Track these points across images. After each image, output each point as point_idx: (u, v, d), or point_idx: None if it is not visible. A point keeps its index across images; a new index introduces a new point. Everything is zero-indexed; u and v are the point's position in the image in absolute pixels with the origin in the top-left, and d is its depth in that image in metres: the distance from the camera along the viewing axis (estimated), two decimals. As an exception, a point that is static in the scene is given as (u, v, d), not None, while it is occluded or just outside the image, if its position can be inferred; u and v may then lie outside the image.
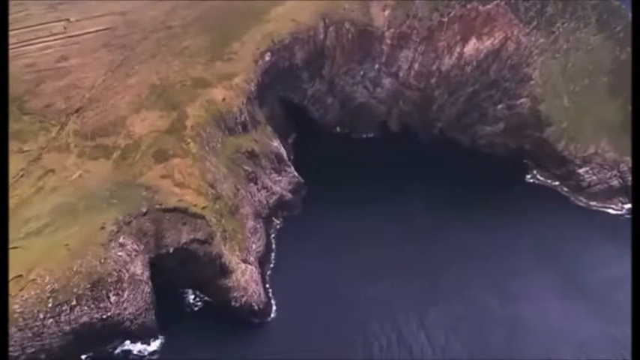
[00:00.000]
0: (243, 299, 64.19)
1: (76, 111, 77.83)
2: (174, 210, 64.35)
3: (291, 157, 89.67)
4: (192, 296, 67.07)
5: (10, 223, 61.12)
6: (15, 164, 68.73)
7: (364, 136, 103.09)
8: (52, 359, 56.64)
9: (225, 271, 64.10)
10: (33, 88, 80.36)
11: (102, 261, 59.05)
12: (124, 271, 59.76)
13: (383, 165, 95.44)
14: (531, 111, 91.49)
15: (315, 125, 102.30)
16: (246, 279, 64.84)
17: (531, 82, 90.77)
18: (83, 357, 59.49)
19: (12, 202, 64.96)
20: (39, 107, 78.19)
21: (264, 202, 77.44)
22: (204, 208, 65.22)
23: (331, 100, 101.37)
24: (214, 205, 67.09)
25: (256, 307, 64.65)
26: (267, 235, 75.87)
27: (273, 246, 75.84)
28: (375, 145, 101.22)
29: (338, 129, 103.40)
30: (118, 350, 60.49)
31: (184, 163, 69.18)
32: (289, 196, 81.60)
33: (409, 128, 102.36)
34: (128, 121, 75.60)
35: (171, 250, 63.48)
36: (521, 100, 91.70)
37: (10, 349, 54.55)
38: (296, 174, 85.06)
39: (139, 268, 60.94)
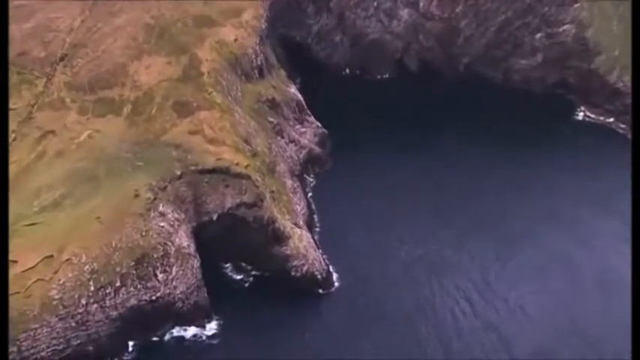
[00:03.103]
0: (304, 268, 65.48)
1: (61, 59, 76.43)
2: (214, 171, 64.68)
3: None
4: (240, 269, 67.46)
5: (15, 196, 60.19)
6: (2, 126, 67.00)
7: (378, 77, 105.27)
8: (100, 351, 56.52)
9: (279, 238, 65.10)
10: (-4, 33, 77.67)
11: (143, 234, 59.14)
12: (169, 244, 60.09)
13: (406, 108, 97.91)
14: (576, 38, 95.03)
15: (321, 67, 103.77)
16: (304, 245, 66.09)
17: (575, 6, 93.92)
18: (130, 344, 59.50)
19: (10, 170, 63.62)
20: (11, 56, 76.01)
21: (296, 158, 78.62)
22: (247, 166, 65.79)
23: (340, 37, 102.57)
24: (255, 163, 67.59)
25: (319, 276, 66.03)
26: (305, 195, 76.97)
27: (313, 206, 77.12)
28: (391, 86, 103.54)
29: (347, 70, 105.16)
30: (167, 337, 60.78)
31: (212, 116, 69.33)
32: (317, 149, 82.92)
33: (430, 66, 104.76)
34: (130, 69, 74.89)
35: (214, 218, 64.00)
36: (564, 27, 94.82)
37: (54, 341, 54.61)
38: (319, 124, 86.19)
39: (184, 240, 61.31)
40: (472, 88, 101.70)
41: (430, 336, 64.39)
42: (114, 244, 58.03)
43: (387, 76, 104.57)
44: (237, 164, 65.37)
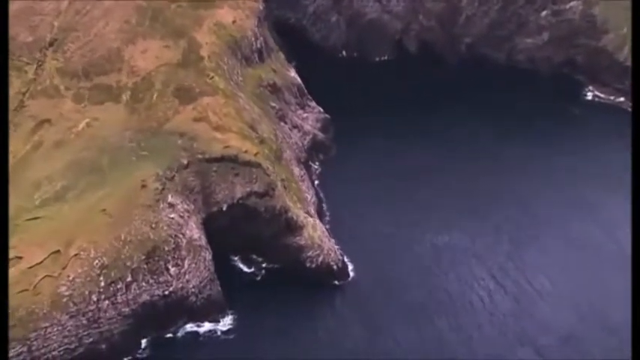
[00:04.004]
0: (320, 259, 65.98)
1: (51, 44, 75.89)
2: (222, 159, 65.03)
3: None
4: (250, 261, 67.87)
5: (13, 189, 59.98)
6: (-7, 115, 66.56)
7: (376, 59, 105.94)
8: (113, 349, 56.74)
9: (292, 228, 65.57)
10: (-24, 16, 77.04)
11: (153, 226, 59.37)
12: (180, 236, 60.38)
13: (406, 91, 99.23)
14: (584, 16, 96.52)
15: (317, 49, 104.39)
16: (318, 235, 66.63)
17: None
18: (143, 342, 59.73)
19: (4, 162, 63.35)
20: (-3, 42, 75.33)
21: (300, 145, 79.12)
22: (256, 154, 66.09)
23: (336, 18, 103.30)
24: (263, 151, 68.00)
25: (335, 267, 66.60)
26: (312, 183, 77.53)
27: (321, 195, 77.66)
28: (390, 69, 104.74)
29: (344, 52, 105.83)
30: (181, 333, 61.06)
31: (216, 102, 69.54)
32: (321, 135, 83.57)
33: (430, 47, 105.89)
34: (126, 54, 74.62)
35: (224, 208, 64.36)
36: (571, 4, 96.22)
37: (65, 340, 54.69)
38: (321, 109, 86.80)
39: (195, 232, 61.62)
40: (474, 69, 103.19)
41: (450, 328, 64.80)
42: (123, 238, 58.19)
43: (385, 58, 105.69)
44: (245, 152, 65.72)
